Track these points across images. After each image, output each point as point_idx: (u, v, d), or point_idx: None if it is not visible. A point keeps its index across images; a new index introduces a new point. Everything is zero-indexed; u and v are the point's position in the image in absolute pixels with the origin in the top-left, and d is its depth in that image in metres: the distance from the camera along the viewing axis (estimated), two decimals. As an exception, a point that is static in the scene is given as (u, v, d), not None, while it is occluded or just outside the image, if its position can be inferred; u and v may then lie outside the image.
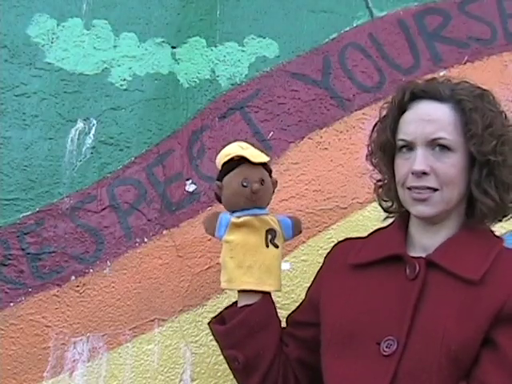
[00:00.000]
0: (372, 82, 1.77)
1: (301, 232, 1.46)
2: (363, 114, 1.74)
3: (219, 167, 1.38)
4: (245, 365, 1.31)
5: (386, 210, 1.35)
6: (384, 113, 1.31)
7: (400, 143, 1.24)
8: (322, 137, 1.73)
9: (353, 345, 1.20)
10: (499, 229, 1.55)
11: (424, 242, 1.25)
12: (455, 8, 1.84)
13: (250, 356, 1.31)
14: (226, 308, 1.41)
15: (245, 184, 1.33)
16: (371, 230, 1.37)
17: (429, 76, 1.47)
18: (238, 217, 1.34)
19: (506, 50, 1.83)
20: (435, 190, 1.19)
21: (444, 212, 1.22)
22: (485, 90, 1.26)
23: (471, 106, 1.20)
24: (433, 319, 1.14)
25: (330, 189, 1.71)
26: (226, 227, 1.34)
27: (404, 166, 1.23)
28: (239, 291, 1.37)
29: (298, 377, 1.36)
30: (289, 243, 1.54)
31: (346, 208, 1.70)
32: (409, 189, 1.22)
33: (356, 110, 1.75)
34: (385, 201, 1.34)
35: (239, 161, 1.34)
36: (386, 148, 1.28)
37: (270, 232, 1.36)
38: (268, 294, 1.37)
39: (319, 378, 1.31)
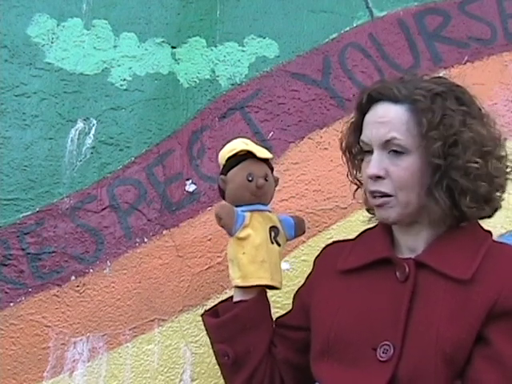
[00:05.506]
0: (372, 82, 1.76)
1: (304, 232, 1.45)
2: (363, 114, 1.74)
3: (223, 162, 1.37)
4: (234, 360, 1.30)
5: (369, 211, 1.33)
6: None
7: (362, 147, 1.22)
8: (321, 137, 1.73)
9: (349, 352, 1.18)
10: (499, 229, 1.55)
11: (409, 243, 1.23)
12: (455, 8, 1.84)
13: (240, 352, 1.30)
14: (221, 302, 1.40)
15: (250, 178, 1.32)
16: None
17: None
18: (243, 211, 1.33)
19: (505, 50, 1.83)
20: (390, 195, 1.17)
21: (407, 215, 1.18)
22: (457, 86, 1.20)
23: (424, 106, 1.15)
24: (426, 322, 1.13)
25: (330, 189, 1.71)
26: (241, 224, 1.32)
27: (364, 170, 1.21)
28: (236, 286, 1.34)
29: (284, 378, 1.34)
30: (289, 243, 1.54)
31: (345, 208, 1.70)
32: (370, 193, 1.20)
33: (356, 110, 1.75)
34: None
35: (244, 156, 1.34)
36: (352, 152, 1.27)
37: (273, 229, 1.36)
38: (264, 291, 1.36)
39: (305, 379, 1.31)
